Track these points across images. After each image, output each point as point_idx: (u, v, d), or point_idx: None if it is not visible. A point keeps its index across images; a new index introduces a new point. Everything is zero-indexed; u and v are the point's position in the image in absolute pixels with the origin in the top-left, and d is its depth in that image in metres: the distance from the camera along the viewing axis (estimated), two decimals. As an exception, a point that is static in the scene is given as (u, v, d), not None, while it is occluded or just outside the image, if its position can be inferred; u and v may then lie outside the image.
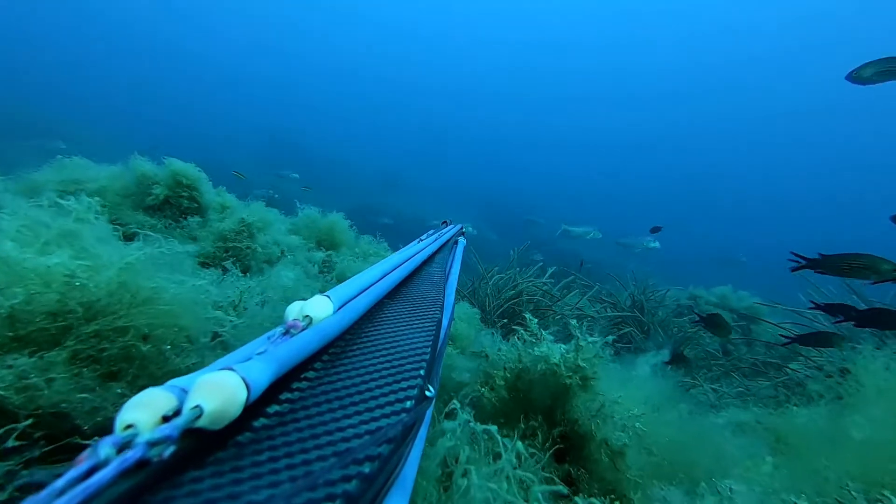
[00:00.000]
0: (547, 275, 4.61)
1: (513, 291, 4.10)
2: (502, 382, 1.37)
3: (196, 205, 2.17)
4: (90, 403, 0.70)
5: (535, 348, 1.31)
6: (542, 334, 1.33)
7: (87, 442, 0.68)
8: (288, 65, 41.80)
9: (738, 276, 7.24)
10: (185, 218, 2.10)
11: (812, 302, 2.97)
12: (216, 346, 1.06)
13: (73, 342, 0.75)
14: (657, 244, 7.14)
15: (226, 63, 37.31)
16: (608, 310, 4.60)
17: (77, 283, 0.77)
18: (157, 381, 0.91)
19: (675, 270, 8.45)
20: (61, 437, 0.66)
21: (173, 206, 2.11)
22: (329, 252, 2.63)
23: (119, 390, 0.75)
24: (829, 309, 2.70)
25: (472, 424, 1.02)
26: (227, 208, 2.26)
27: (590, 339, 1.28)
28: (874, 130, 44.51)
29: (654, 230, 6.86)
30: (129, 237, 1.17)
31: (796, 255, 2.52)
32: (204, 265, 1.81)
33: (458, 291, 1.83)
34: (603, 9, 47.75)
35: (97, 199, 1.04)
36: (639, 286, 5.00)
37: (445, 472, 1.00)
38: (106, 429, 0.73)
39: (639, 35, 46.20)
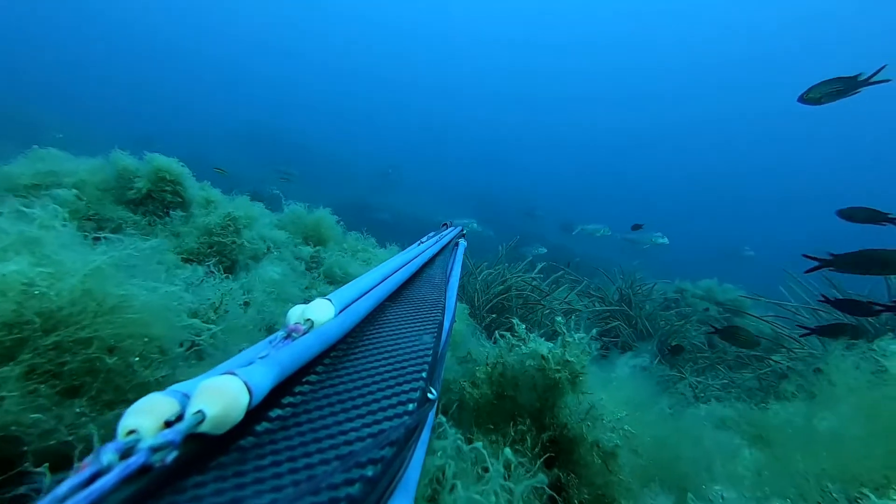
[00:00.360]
0: (536, 270, 4.59)
1: (502, 286, 4.09)
2: (484, 376, 1.35)
3: (180, 199, 2.13)
4: (43, 426, 0.66)
5: (523, 346, 1.29)
6: (529, 337, 1.31)
7: (37, 470, 0.63)
8: (287, 63, 41.59)
9: (741, 272, 7.22)
10: (168, 213, 2.05)
11: (822, 296, 3.00)
12: (191, 356, 1.02)
13: (29, 355, 0.71)
14: (665, 240, 7.09)
15: (225, 61, 37.16)
16: (596, 304, 4.58)
17: (36, 292, 0.74)
18: (123, 395, 0.88)
19: (677, 267, 8.44)
20: (10, 461, 0.62)
21: (156, 201, 2.06)
22: (317, 248, 2.61)
23: (78, 409, 0.71)
24: (845, 305, 2.75)
25: (459, 443, 1.00)
26: (211, 203, 2.22)
27: (576, 335, 1.26)
28: (873, 129, 44.57)
29: (635, 227, 6.89)
30: (113, 231, 1.12)
31: (809, 256, 2.54)
32: (187, 261, 1.77)
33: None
34: (603, 9, 47.64)
35: (74, 191, 1.00)
36: (626, 280, 5.00)
37: (434, 489, 0.98)
38: (54, 455, 0.69)
39: (639, 35, 46.12)
